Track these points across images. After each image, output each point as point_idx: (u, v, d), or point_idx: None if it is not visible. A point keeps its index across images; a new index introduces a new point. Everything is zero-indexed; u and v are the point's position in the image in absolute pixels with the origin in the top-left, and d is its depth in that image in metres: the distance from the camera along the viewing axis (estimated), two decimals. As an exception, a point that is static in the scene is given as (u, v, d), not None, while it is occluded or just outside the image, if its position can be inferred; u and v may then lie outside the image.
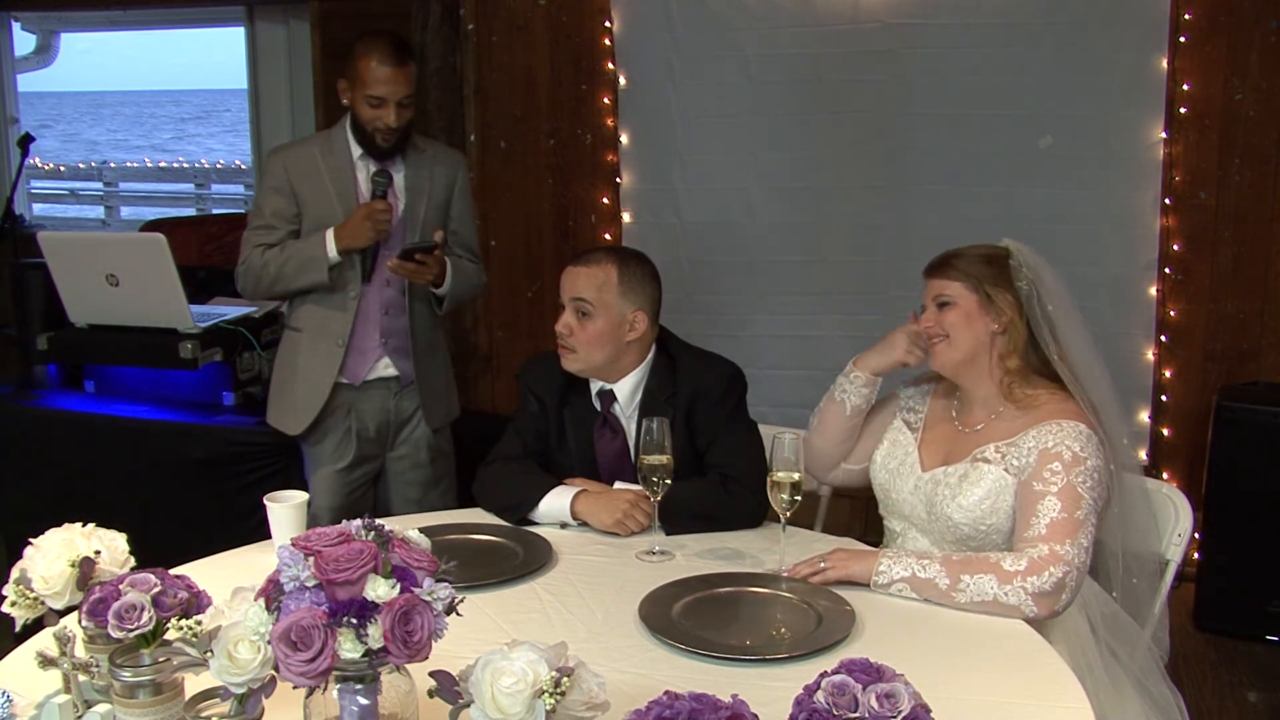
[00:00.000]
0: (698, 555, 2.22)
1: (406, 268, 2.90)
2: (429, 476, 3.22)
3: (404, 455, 3.20)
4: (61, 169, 13.13)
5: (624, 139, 4.43)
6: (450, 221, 3.12)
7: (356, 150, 2.99)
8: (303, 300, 3.04)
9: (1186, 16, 3.77)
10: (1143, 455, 3.98)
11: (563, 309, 2.44)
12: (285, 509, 2.09)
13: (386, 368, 3.09)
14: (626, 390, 2.47)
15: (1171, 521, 2.33)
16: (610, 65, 4.42)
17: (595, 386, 2.49)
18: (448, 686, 1.38)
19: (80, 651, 1.56)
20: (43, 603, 1.66)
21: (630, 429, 2.46)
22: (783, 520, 2.13)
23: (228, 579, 1.59)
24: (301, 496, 2.11)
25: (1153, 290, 3.92)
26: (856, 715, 1.31)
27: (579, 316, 2.41)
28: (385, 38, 2.92)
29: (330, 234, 2.92)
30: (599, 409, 2.49)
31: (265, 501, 2.11)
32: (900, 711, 1.31)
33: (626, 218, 4.48)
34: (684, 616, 1.93)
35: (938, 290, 2.23)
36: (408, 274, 2.93)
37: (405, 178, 3.02)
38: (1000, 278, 2.20)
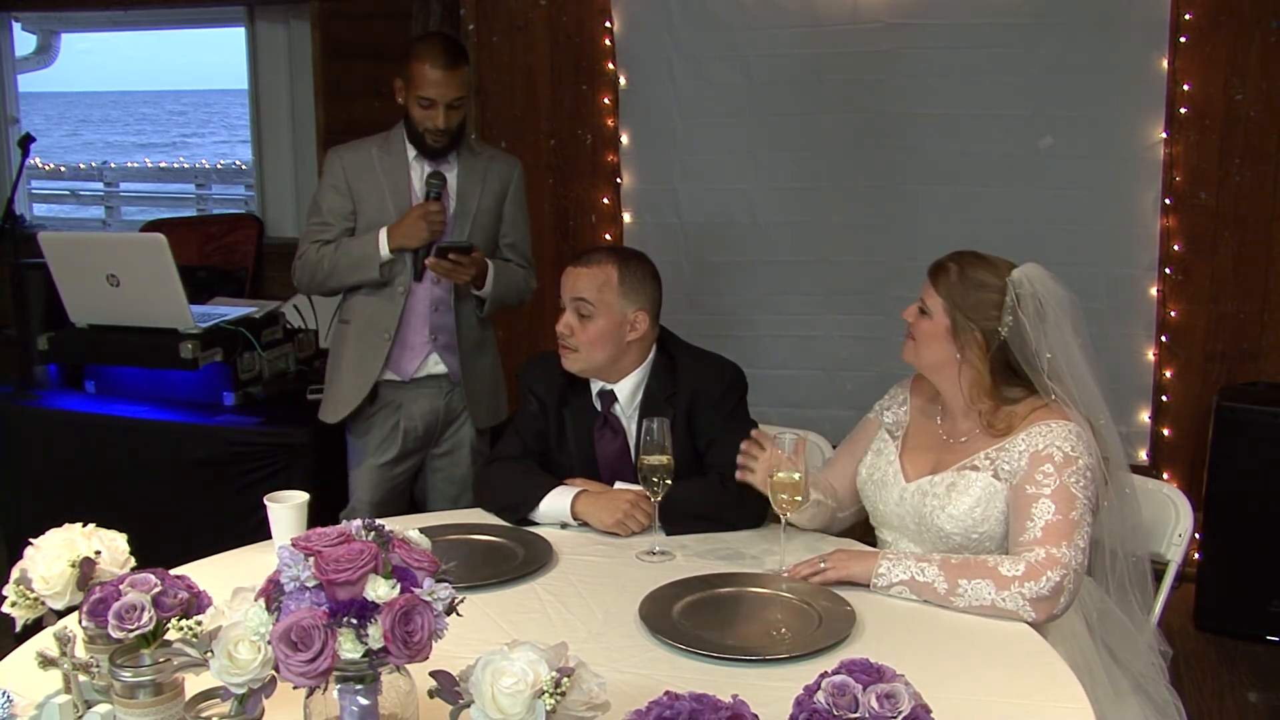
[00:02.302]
0: (698, 555, 2.22)
1: (442, 266, 2.91)
2: (467, 477, 3.22)
3: (446, 453, 3.21)
4: (62, 169, 13.08)
5: (624, 139, 4.43)
6: (502, 225, 3.14)
7: (412, 151, 3.02)
8: (353, 293, 3.08)
9: (1186, 16, 3.77)
10: (1143, 455, 3.98)
11: (563, 309, 2.44)
12: (285, 509, 2.09)
13: (436, 364, 3.11)
14: (627, 390, 2.47)
15: (1171, 521, 2.32)
16: (610, 65, 4.42)
17: (596, 386, 2.49)
18: (448, 686, 1.38)
19: (80, 651, 1.56)
20: (43, 603, 1.66)
21: (630, 429, 2.46)
22: (783, 520, 2.13)
23: (228, 579, 1.59)
24: (302, 496, 2.11)
25: (1153, 290, 3.93)
26: (856, 715, 1.31)
27: (580, 317, 2.41)
28: (439, 41, 2.99)
29: (384, 233, 2.96)
30: (599, 409, 2.49)
31: (265, 501, 2.11)
32: (900, 712, 1.31)
33: (626, 218, 4.48)
34: (684, 616, 1.92)
35: (926, 294, 2.20)
36: (443, 272, 2.94)
37: (457, 178, 3.04)
38: (978, 312, 2.13)
